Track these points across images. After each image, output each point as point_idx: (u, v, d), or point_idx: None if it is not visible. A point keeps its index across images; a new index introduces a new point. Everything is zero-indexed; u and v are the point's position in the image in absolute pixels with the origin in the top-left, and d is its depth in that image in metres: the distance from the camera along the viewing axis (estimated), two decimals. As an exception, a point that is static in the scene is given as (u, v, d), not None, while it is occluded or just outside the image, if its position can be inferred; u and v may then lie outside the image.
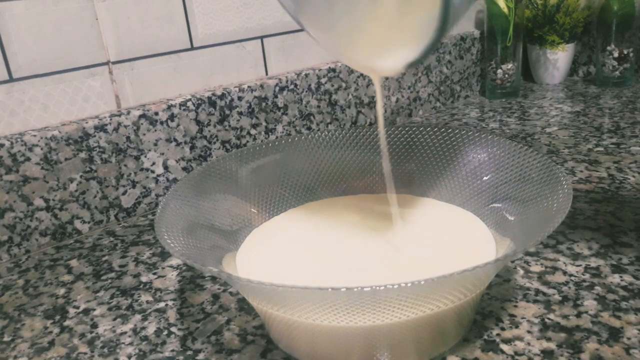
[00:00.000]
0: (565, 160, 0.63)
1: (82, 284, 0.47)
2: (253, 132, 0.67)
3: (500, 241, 0.40)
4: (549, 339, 0.35)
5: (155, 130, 0.59)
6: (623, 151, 0.64)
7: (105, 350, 0.38)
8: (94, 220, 0.57)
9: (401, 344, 0.33)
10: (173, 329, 0.40)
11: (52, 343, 0.39)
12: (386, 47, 0.35)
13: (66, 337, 0.40)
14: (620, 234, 0.47)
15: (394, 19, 0.33)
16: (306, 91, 0.71)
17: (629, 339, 0.34)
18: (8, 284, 0.48)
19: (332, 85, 0.73)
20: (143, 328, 0.40)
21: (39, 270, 0.50)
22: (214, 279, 0.46)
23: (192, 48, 0.63)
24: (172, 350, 0.37)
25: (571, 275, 0.42)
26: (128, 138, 0.58)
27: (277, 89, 0.68)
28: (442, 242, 0.42)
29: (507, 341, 0.35)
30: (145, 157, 0.59)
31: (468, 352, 0.35)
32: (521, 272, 0.43)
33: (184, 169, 0.62)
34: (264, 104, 0.67)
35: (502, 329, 0.36)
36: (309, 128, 0.72)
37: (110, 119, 0.56)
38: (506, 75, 0.90)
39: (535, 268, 0.43)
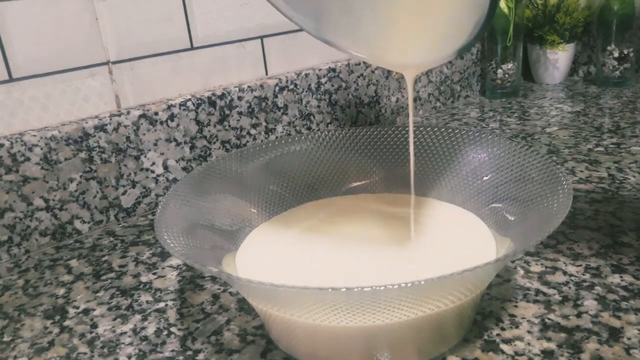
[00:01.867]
0: (566, 160, 0.63)
1: (82, 284, 0.47)
2: (253, 132, 0.67)
3: (500, 241, 0.40)
4: (549, 339, 0.35)
5: (155, 130, 0.59)
6: (623, 151, 0.64)
7: (105, 350, 0.38)
8: (94, 220, 0.57)
9: (401, 344, 0.33)
10: (173, 329, 0.40)
11: (52, 343, 0.39)
12: (419, 42, 0.36)
13: (66, 337, 0.40)
14: (620, 234, 0.47)
15: (416, 14, 0.34)
16: (306, 91, 0.70)
17: (629, 339, 0.34)
18: (8, 284, 0.48)
19: (332, 85, 0.73)
20: (143, 328, 0.40)
21: (38, 270, 0.50)
22: (213, 279, 0.46)
23: (192, 48, 0.63)
24: (172, 351, 0.37)
25: (571, 275, 0.42)
26: (128, 138, 0.57)
27: (277, 89, 0.68)
28: (442, 242, 0.42)
29: (507, 341, 0.35)
30: (145, 157, 0.59)
31: (468, 352, 0.35)
32: (521, 272, 0.43)
33: (184, 169, 0.62)
34: (264, 104, 0.67)
35: (502, 329, 0.36)
36: (309, 128, 0.72)
37: (110, 119, 0.56)
38: (506, 75, 0.90)
39: (536, 268, 0.43)
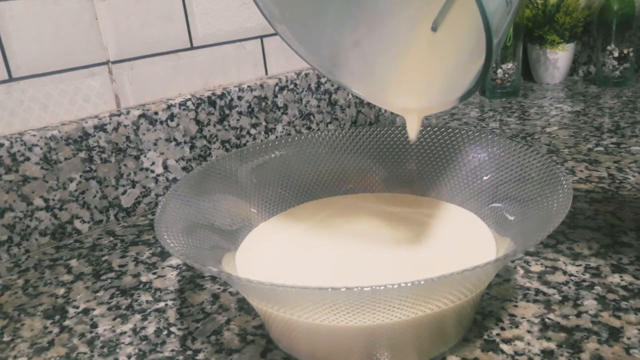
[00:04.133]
0: (566, 160, 0.63)
1: (82, 284, 0.47)
2: (253, 132, 0.67)
3: (500, 241, 0.40)
4: (549, 339, 0.35)
5: (155, 130, 0.59)
6: (623, 151, 0.64)
7: (105, 350, 0.38)
8: (94, 220, 0.57)
9: (401, 344, 0.33)
10: (173, 329, 0.40)
11: (51, 343, 0.39)
12: (425, 88, 0.39)
13: (66, 337, 0.40)
14: (620, 233, 0.47)
15: (426, 63, 0.37)
16: (306, 91, 0.70)
17: (629, 338, 0.34)
18: (8, 284, 0.48)
19: (332, 85, 0.73)
20: (143, 328, 0.40)
21: (38, 270, 0.50)
22: (213, 278, 0.46)
23: (192, 48, 0.63)
24: (172, 350, 0.37)
25: (571, 275, 0.42)
26: (128, 138, 0.57)
27: (277, 88, 0.68)
28: (442, 242, 0.42)
29: (507, 341, 0.35)
30: (145, 156, 0.59)
31: (468, 352, 0.35)
32: (521, 271, 0.43)
33: (184, 168, 0.62)
34: (263, 104, 0.67)
35: (502, 328, 0.36)
36: (309, 128, 0.72)
37: (110, 119, 0.56)
38: (506, 75, 0.90)
39: (535, 268, 0.43)
